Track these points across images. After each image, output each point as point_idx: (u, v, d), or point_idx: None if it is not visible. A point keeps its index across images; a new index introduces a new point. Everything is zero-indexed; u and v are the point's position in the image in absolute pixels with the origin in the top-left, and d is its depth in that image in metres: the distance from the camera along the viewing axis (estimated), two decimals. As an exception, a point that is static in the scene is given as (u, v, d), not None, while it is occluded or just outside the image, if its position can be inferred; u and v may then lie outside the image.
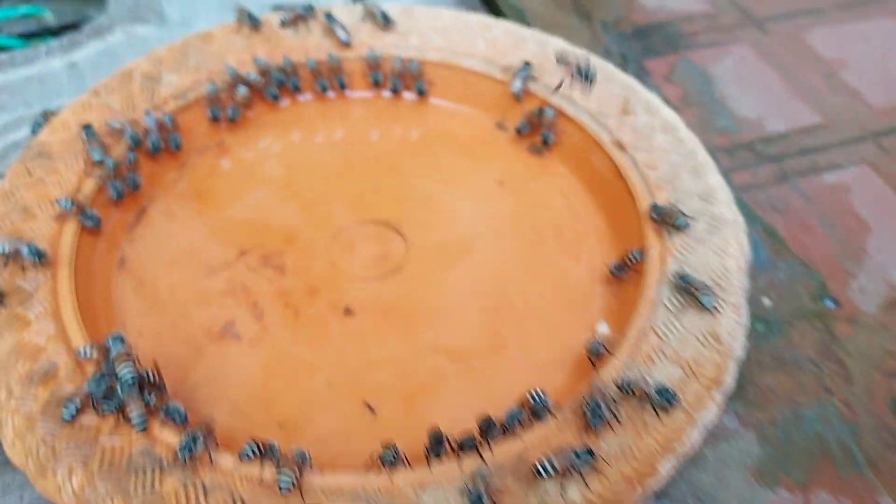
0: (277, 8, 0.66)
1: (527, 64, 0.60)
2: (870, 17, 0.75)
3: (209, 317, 0.50)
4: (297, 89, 0.62)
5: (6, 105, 0.67)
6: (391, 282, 0.52)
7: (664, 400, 0.41)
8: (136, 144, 0.55)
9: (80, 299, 0.47)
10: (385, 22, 0.64)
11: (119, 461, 0.39)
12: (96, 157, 0.53)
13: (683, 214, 0.49)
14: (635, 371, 0.43)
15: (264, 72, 0.61)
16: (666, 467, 0.39)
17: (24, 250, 0.47)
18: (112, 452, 0.39)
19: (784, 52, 0.71)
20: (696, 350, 0.44)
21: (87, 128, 0.54)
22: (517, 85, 0.59)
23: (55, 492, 0.38)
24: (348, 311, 0.51)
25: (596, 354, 0.45)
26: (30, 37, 0.78)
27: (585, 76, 0.56)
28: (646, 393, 0.41)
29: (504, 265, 0.54)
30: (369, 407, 0.46)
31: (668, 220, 0.49)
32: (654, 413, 0.41)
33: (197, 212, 0.56)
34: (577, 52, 0.61)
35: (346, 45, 0.63)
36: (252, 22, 0.63)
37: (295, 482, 0.38)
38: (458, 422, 0.44)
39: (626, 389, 0.41)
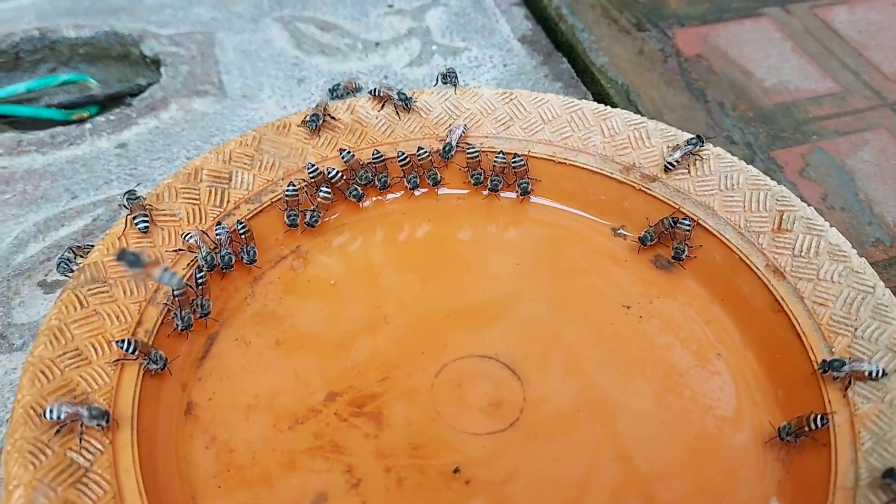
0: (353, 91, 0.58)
1: (699, 137, 0.53)
2: None
3: (297, 487, 0.41)
4: (385, 187, 0.54)
5: (47, 194, 0.59)
6: (510, 437, 0.44)
7: None
8: (210, 265, 0.47)
9: (144, 472, 0.39)
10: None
11: None
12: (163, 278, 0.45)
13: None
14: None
15: (350, 168, 0.53)
16: None
17: (85, 414, 0.39)
18: None
19: (928, 140, 0.62)
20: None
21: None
22: (675, 156, 0.52)
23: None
24: (464, 481, 0.42)
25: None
26: (72, 107, 0.71)
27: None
28: None
29: (645, 419, 0.45)
30: None
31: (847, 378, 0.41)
32: None
33: (275, 341, 0.48)
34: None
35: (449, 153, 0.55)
36: (312, 124, 0.55)
37: None
38: None
39: None
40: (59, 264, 0.50)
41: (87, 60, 0.74)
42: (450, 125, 0.56)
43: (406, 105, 0.56)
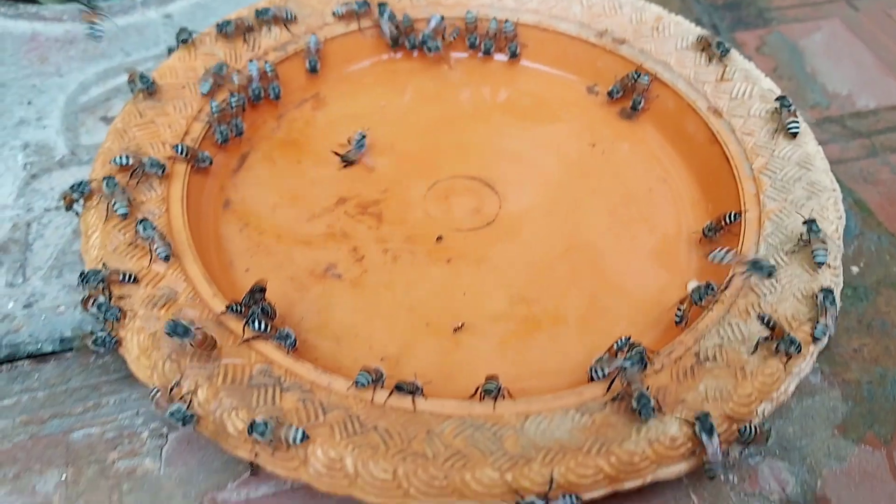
0: None
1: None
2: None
3: (311, 258, 0.52)
4: (413, 47, 0.64)
5: (106, 52, 0.70)
6: (485, 233, 0.54)
7: (794, 346, 0.42)
8: (257, 96, 0.58)
9: (193, 235, 0.50)
10: None
11: (241, 378, 0.42)
12: (204, 90, 0.56)
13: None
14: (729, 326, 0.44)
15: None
16: (762, 411, 0.41)
17: (147, 163, 0.50)
18: (234, 370, 0.42)
19: (875, 28, 0.70)
20: (793, 307, 0.45)
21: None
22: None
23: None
24: (446, 259, 0.52)
25: (700, 300, 0.46)
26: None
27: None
28: (784, 335, 0.42)
29: (595, 223, 0.55)
30: (460, 326, 0.49)
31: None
32: (783, 354, 0.42)
33: (296, 160, 0.58)
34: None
35: None
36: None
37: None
38: (547, 367, 0.46)
39: (767, 323, 0.43)
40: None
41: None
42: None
43: None
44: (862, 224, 0.56)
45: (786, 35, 0.69)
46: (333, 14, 0.63)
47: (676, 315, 0.46)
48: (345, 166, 0.57)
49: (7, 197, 0.57)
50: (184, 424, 0.40)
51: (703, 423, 0.39)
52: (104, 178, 0.49)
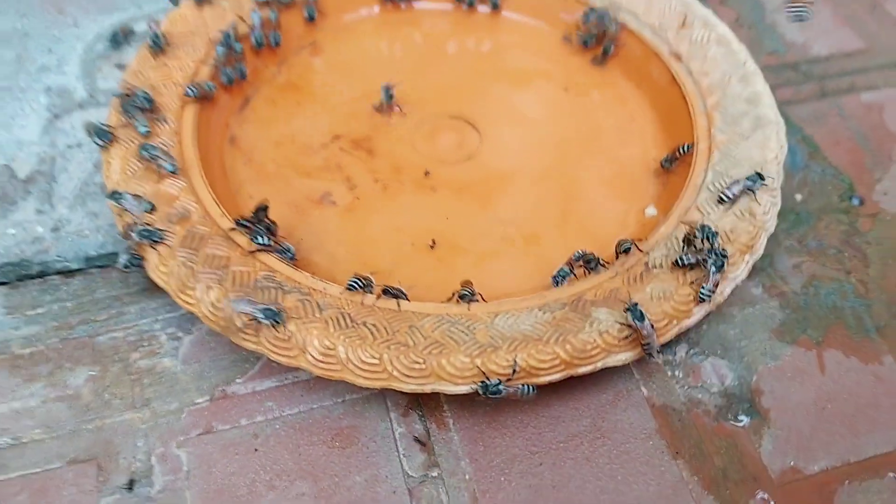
0: None
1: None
2: (920, -47, 0.79)
3: (309, 187, 0.58)
4: None
5: (119, 4, 0.75)
6: (467, 166, 0.60)
7: (721, 258, 0.48)
8: (259, 43, 0.64)
9: (202, 163, 0.55)
10: None
11: (247, 282, 0.48)
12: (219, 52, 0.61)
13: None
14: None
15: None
16: (699, 311, 0.47)
17: (140, 96, 0.56)
18: (241, 275, 0.48)
19: (834, -17, 0.76)
20: (733, 223, 0.51)
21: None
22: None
23: (195, 304, 0.47)
24: (431, 188, 0.58)
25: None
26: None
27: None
28: (712, 249, 0.48)
29: (567, 158, 0.61)
30: (433, 243, 0.55)
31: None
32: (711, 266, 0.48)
33: (295, 102, 0.64)
34: None
35: None
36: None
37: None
38: (520, 280, 0.52)
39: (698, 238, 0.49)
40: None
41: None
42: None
43: None
44: (808, 158, 0.62)
45: (749, -12, 0.75)
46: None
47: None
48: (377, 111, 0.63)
49: (33, 134, 0.63)
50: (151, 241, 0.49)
51: (633, 311, 0.45)
52: (120, 103, 0.55)
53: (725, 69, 0.60)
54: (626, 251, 0.50)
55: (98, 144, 0.54)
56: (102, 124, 0.55)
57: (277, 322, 0.45)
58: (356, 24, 0.69)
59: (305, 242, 0.54)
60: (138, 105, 0.56)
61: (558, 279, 0.49)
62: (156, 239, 0.49)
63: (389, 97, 0.63)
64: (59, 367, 0.51)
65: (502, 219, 0.57)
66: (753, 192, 0.51)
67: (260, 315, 0.45)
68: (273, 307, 0.46)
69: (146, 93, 0.56)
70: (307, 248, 0.54)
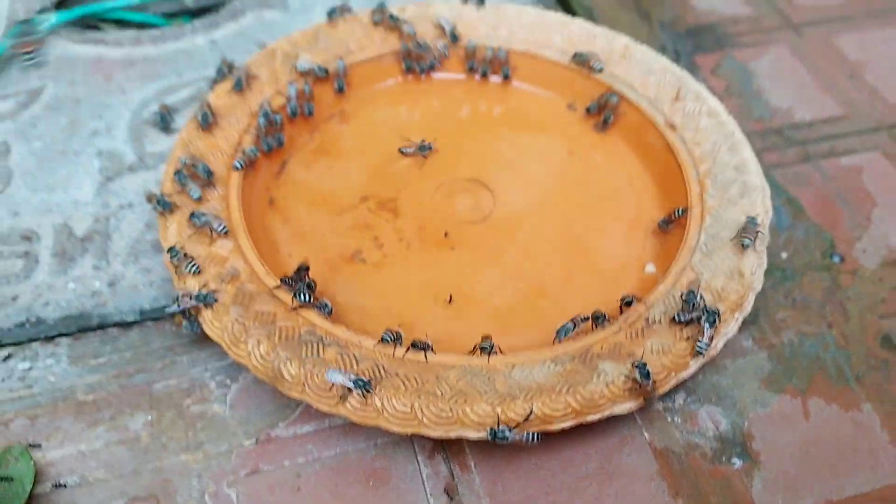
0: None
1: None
2: (894, 24, 0.86)
3: (341, 245, 0.64)
4: (431, 68, 0.76)
5: (162, 73, 0.82)
6: (482, 225, 0.66)
7: (713, 315, 0.54)
8: (294, 113, 0.70)
9: (246, 225, 0.62)
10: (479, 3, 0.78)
11: (292, 336, 0.54)
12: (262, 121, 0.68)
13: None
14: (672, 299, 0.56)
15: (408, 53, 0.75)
16: (695, 364, 0.53)
17: (200, 168, 0.62)
18: (287, 330, 0.54)
19: (815, 53, 0.82)
20: (724, 282, 0.57)
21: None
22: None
23: (246, 357, 0.53)
24: (451, 247, 0.64)
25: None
26: (171, 16, 0.93)
27: None
28: (704, 307, 0.54)
29: (573, 218, 0.67)
30: (449, 298, 0.61)
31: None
32: (705, 323, 0.54)
33: (327, 166, 0.70)
34: None
35: (455, 40, 0.76)
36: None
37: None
38: (532, 332, 0.58)
39: (691, 300, 0.55)
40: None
41: (182, -18, 0.96)
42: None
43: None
44: (793, 218, 0.68)
45: (738, 59, 0.81)
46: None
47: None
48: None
49: (88, 195, 0.70)
50: (206, 303, 0.55)
51: (640, 369, 0.51)
52: (175, 172, 0.61)
53: (716, 139, 0.66)
54: (629, 304, 0.56)
55: (158, 212, 0.60)
56: (163, 194, 0.61)
57: (368, 391, 0.51)
58: (380, 93, 0.76)
59: (339, 297, 0.60)
60: (198, 175, 0.62)
61: (561, 334, 0.55)
62: (210, 302, 0.55)
63: (423, 149, 0.70)
64: (119, 412, 0.56)
65: (514, 275, 0.63)
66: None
67: (351, 384, 0.51)
68: (362, 378, 0.51)
69: (206, 166, 0.62)
70: (341, 303, 0.60)
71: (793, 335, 0.60)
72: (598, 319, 0.55)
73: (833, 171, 0.72)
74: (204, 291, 0.56)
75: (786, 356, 0.59)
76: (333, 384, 0.51)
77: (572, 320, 0.56)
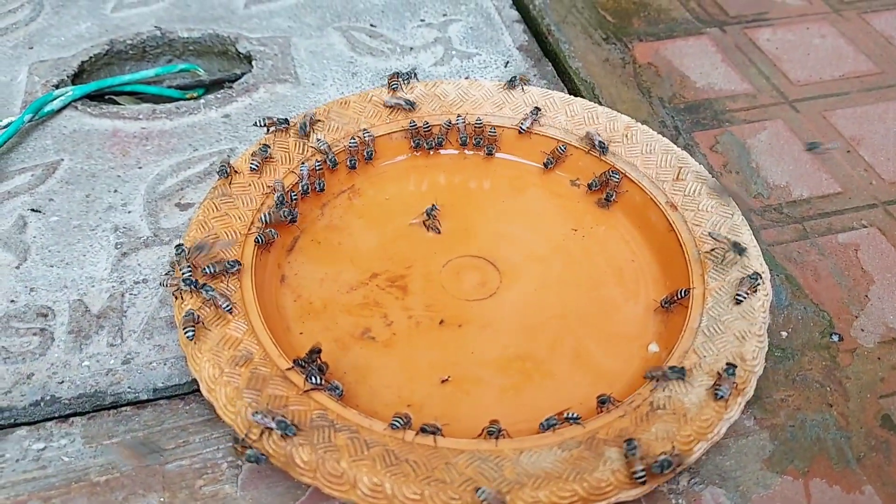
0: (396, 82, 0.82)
1: (537, 108, 0.77)
2: (888, 100, 0.89)
3: (351, 323, 0.66)
4: (439, 145, 0.79)
5: (177, 147, 0.84)
6: (489, 303, 0.68)
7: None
8: (305, 191, 0.73)
9: (259, 303, 0.63)
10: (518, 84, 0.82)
11: (304, 420, 0.55)
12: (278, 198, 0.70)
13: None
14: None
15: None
16: (699, 449, 0.54)
17: (229, 265, 0.63)
18: (299, 414, 0.55)
19: (812, 129, 0.85)
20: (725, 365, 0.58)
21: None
22: (526, 124, 0.77)
23: (259, 442, 0.54)
24: (458, 324, 0.66)
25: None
26: (185, 89, 0.96)
27: None
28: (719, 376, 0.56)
29: (576, 295, 0.69)
30: (446, 379, 0.62)
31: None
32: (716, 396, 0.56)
33: (337, 242, 0.72)
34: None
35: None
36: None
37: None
38: (537, 412, 0.59)
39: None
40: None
41: (196, 55, 0.99)
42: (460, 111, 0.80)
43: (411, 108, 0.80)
44: (791, 296, 0.69)
45: (736, 135, 0.84)
46: (384, 104, 0.79)
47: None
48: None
49: (103, 271, 0.71)
50: (257, 463, 0.54)
51: (628, 445, 0.53)
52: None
53: (716, 220, 0.68)
54: (603, 403, 0.57)
55: (176, 297, 0.62)
56: (191, 279, 0.62)
57: (288, 434, 0.53)
58: (390, 169, 0.78)
59: (349, 376, 0.62)
60: (227, 265, 0.64)
61: (544, 427, 0.56)
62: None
63: (429, 213, 0.73)
64: (132, 493, 0.57)
65: (520, 354, 0.64)
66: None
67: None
68: (285, 419, 0.54)
69: (237, 261, 0.64)
70: (351, 381, 0.61)
71: (793, 415, 0.62)
72: (605, 404, 0.57)
73: (830, 249, 0.73)
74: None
75: (787, 437, 0.60)
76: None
77: (558, 415, 0.57)
